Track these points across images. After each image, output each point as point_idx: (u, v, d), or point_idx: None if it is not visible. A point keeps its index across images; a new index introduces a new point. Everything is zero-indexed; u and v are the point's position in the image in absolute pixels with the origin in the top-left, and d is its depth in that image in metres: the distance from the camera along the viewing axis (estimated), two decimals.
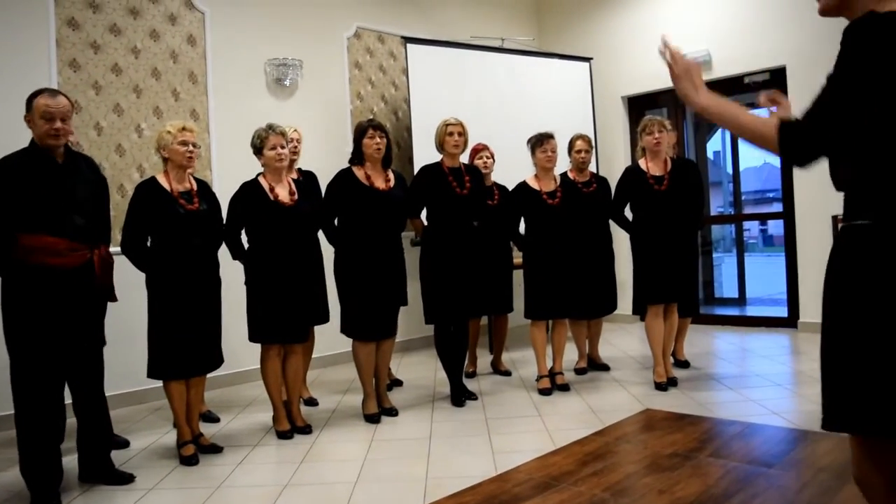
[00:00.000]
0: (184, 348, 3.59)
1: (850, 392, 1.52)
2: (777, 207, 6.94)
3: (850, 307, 1.53)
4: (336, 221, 4.26)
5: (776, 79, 6.35)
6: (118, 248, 3.61)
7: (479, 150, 5.13)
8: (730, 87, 6.60)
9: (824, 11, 1.64)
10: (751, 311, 8.24)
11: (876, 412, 1.48)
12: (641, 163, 4.71)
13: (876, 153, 1.46)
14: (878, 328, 1.48)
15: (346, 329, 4.19)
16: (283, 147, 3.90)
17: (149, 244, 3.65)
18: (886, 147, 1.45)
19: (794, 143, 1.52)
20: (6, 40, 4.39)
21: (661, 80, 7.01)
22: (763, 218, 16.90)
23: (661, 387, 4.56)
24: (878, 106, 1.43)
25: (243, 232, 3.97)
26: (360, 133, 4.19)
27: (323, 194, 4.31)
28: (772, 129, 1.54)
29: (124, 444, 3.91)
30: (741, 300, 8.58)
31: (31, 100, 3.22)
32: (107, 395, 3.47)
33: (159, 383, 3.71)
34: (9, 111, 4.13)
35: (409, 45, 6.25)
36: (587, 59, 7.34)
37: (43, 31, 4.54)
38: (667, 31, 6.34)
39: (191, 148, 3.64)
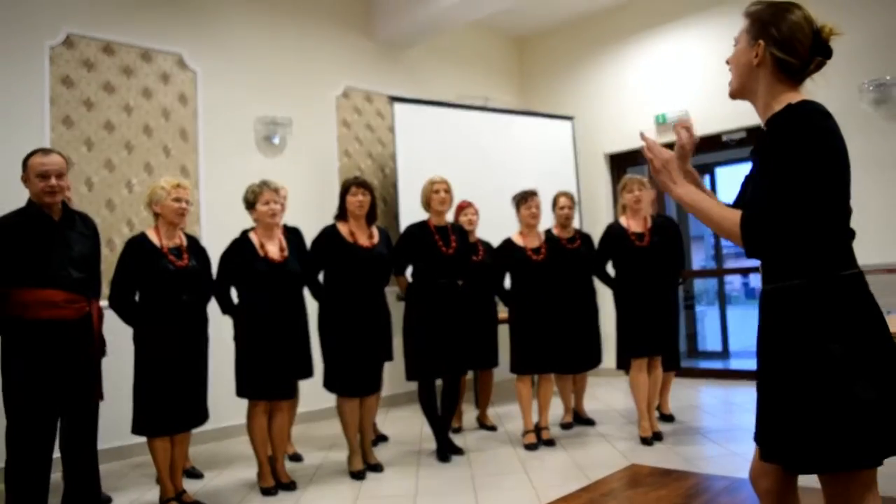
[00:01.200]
0: (169, 404, 3.58)
1: (836, 433, 1.65)
2: (758, 261, 7.04)
3: (789, 359, 1.72)
4: (321, 277, 4.31)
5: (753, 136, 6.53)
6: (106, 302, 3.63)
7: (463, 206, 5.21)
8: (708, 144, 6.78)
9: (732, 96, 1.93)
10: (734, 363, 8.28)
11: (865, 447, 1.64)
12: (622, 220, 4.81)
13: (807, 223, 1.67)
14: (817, 373, 1.67)
15: (329, 384, 4.19)
16: (275, 203, 3.97)
17: (137, 299, 3.68)
18: (817, 217, 1.67)
19: (755, 241, 1.72)
20: (1, 98, 4.47)
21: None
22: (744, 272, 17.01)
23: (646, 441, 4.57)
24: (809, 185, 1.64)
25: (233, 287, 4.01)
26: (344, 190, 4.27)
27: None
28: (735, 224, 1.74)
29: (107, 501, 3.87)
30: (724, 353, 8.64)
31: (26, 160, 3.29)
32: (97, 450, 3.45)
33: (143, 439, 3.68)
34: (3, 169, 4.20)
35: (395, 104, 6.40)
36: (569, 118, 7.52)
37: (38, 88, 4.64)
38: (647, 91, 6.50)
39: (184, 204, 3.70)
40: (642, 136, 1.98)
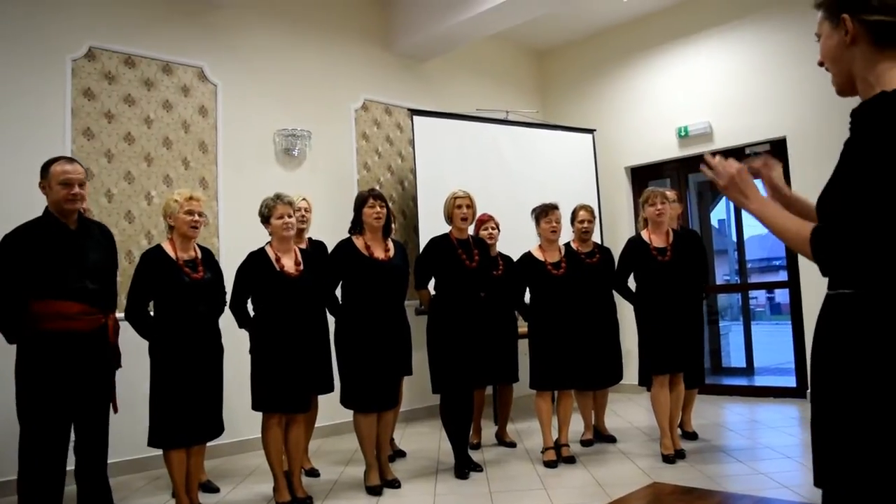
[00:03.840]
0: (185, 416, 3.57)
1: (839, 454, 1.51)
2: (783, 275, 6.93)
3: (834, 371, 1.53)
4: (339, 291, 4.28)
5: (776, 149, 6.44)
6: (122, 315, 3.63)
7: (484, 220, 5.17)
8: (731, 157, 6.68)
9: (841, 94, 1.63)
10: (759, 380, 8.14)
11: (864, 474, 1.46)
12: (644, 234, 4.74)
13: (862, 228, 1.42)
14: (860, 392, 1.47)
15: (345, 400, 4.14)
16: (290, 216, 3.95)
17: (151, 311, 3.67)
18: (871, 222, 1.41)
19: (827, 259, 1.48)
20: (24, 110, 4.52)
21: (663, 150, 7.19)
22: (768, 287, 16.76)
23: (668, 459, 4.48)
24: (881, 186, 1.38)
25: (249, 301, 3.99)
26: (360, 202, 4.24)
27: None
28: (805, 238, 1.49)
29: None
30: (749, 370, 8.49)
31: (47, 167, 3.31)
32: (107, 462, 3.45)
33: (159, 452, 3.67)
34: (26, 179, 4.22)
35: (415, 117, 6.38)
36: (591, 131, 7.47)
37: (59, 100, 4.68)
38: (669, 104, 6.42)
39: (196, 217, 3.71)
40: (706, 157, 1.79)
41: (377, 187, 6.21)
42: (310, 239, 4.63)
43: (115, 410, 3.49)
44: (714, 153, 1.78)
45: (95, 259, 3.37)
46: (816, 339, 1.61)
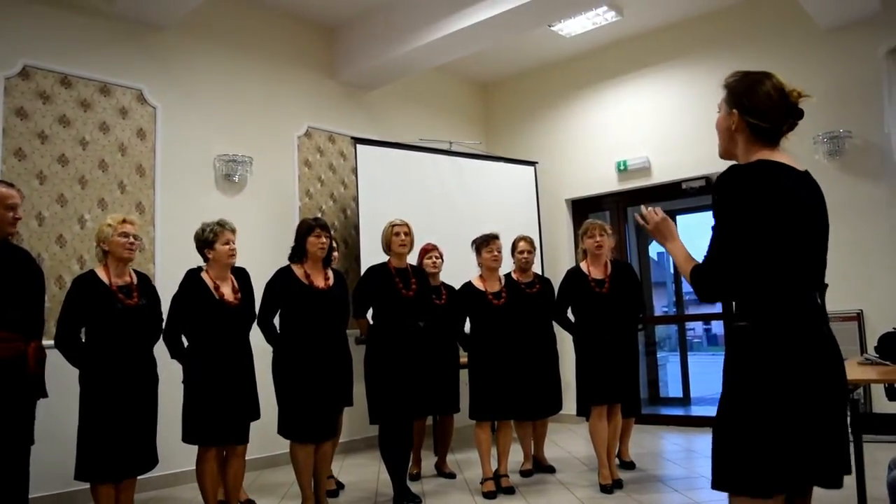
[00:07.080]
0: (116, 448, 3.44)
1: (736, 460, 1.91)
2: (719, 307, 7.10)
3: (736, 390, 1.96)
4: (276, 320, 4.20)
5: (711, 185, 6.63)
6: (51, 342, 3.50)
7: (427, 250, 5.18)
8: (669, 192, 6.87)
9: (721, 156, 2.15)
10: (695, 410, 8.28)
11: (759, 476, 1.86)
12: (583, 265, 4.81)
13: (747, 273, 1.91)
14: (757, 406, 1.90)
15: (283, 430, 4.06)
16: (234, 243, 3.90)
17: (83, 338, 3.55)
18: (754, 268, 1.90)
19: (701, 288, 1.99)
20: None
21: (603, 184, 7.34)
22: (705, 318, 17.17)
23: (606, 489, 4.51)
24: (745, 239, 1.89)
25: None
26: (304, 231, 4.19)
27: (257, 291, 4.24)
28: (688, 273, 2.02)
29: None
30: (686, 400, 8.64)
31: None
32: (31, 497, 3.29)
33: (86, 485, 3.53)
34: None
35: (358, 146, 6.38)
36: (532, 163, 7.57)
37: None
38: (609, 139, 6.56)
39: (131, 240, 3.61)
40: (641, 211, 2.27)
41: (319, 215, 6.18)
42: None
43: (32, 442, 3.33)
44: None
45: (17, 286, 3.25)
46: (725, 361, 2.03)
